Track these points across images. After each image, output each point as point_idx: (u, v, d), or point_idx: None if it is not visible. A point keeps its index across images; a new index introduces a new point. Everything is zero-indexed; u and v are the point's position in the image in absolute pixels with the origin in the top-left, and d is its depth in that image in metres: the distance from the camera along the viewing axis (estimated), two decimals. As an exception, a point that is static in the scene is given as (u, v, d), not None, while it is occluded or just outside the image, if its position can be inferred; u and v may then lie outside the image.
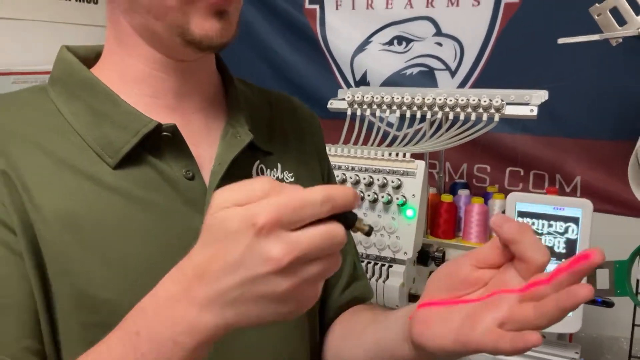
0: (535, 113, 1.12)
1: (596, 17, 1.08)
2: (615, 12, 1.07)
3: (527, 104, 1.14)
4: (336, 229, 0.41)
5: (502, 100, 1.12)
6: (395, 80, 1.69)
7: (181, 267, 0.44)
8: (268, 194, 0.41)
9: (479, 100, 1.13)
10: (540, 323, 0.45)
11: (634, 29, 1.05)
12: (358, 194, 0.44)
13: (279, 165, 0.69)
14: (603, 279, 1.23)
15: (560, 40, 1.11)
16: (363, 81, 1.74)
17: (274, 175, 0.68)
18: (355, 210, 0.44)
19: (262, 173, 0.67)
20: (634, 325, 1.26)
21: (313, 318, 0.73)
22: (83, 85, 0.61)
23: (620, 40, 1.08)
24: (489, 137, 1.58)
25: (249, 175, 0.65)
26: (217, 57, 0.70)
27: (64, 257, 0.55)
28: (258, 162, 0.67)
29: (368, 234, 0.45)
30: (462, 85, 1.63)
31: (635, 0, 1.06)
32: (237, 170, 0.63)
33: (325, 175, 0.78)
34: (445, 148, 1.14)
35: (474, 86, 1.61)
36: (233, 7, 0.58)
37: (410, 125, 1.20)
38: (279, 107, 0.75)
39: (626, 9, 1.06)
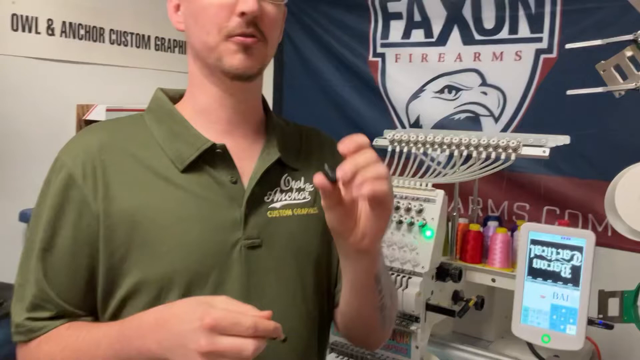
0: (547, 154, 1.28)
1: (602, 73, 1.24)
2: (619, 68, 1.23)
3: (541, 147, 1.30)
4: (246, 345, 0.65)
5: (518, 142, 1.29)
6: (444, 124, 1.89)
7: (155, 314, 0.73)
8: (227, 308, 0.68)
9: (498, 141, 1.30)
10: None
11: (634, 83, 1.20)
12: (280, 328, 0.70)
13: (302, 178, 0.92)
14: (613, 306, 1.36)
15: (569, 92, 1.27)
16: (417, 124, 1.95)
17: (297, 185, 0.91)
18: None
19: (289, 183, 0.90)
20: (645, 353, 1.35)
21: (321, 298, 0.93)
22: (167, 115, 0.88)
23: (623, 92, 1.22)
24: (529, 178, 1.74)
25: (277, 183, 0.89)
26: (263, 99, 0.95)
27: (138, 233, 0.80)
28: (286, 174, 0.90)
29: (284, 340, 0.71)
30: (505, 129, 1.80)
31: (636, 58, 1.21)
32: (269, 178, 0.87)
33: None
34: (464, 180, 1.32)
35: (515, 131, 1.78)
36: (257, 46, 0.81)
37: (447, 162, 1.39)
38: (308, 136, 0.99)
39: (628, 65, 1.21)
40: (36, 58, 1.84)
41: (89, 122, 1.89)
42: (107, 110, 1.88)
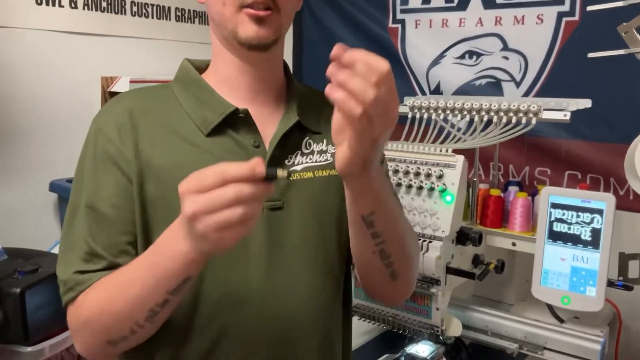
0: (568, 118, 1.28)
1: (623, 35, 1.23)
2: (642, 29, 1.22)
3: (562, 110, 1.30)
4: (226, 192, 0.63)
5: (538, 106, 1.29)
6: (465, 90, 1.88)
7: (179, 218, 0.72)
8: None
9: (519, 105, 1.30)
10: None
11: (657, 45, 1.19)
12: (256, 166, 0.64)
13: (325, 141, 0.94)
14: (634, 268, 1.37)
15: (591, 55, 1.26)
16: (437, 90, 1.95)
17: (319, 147, 0.93)
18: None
19: (310, 146, 0.93)
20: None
21: (343, 258, 0.96)
22: (193, 83, 0.91)
23: (645, 54, 1.21)
24: (550, 143, 1.73)
25: (298, 146, 0.92)
26: (286, 67, 0.97)
27: (166, 191, 0.83)
28: (307, 137, 0.93)
29: (288, 176, 0.68)
30: (526, 94, 1.79)
31: (659, 19, 1.20)
32: (289, 142, 0.89)
33: None
34: (484, 145, 1.33)
35: (537, 95, 1.77)
36: (271, 17, 0.82)
37: (467, 128, 1.40)
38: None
39: (650, 27, 1.20)
40: (60, 31, 1.87)
41: (114, 94, 1.92)
42: (131, 81, 1.91)
